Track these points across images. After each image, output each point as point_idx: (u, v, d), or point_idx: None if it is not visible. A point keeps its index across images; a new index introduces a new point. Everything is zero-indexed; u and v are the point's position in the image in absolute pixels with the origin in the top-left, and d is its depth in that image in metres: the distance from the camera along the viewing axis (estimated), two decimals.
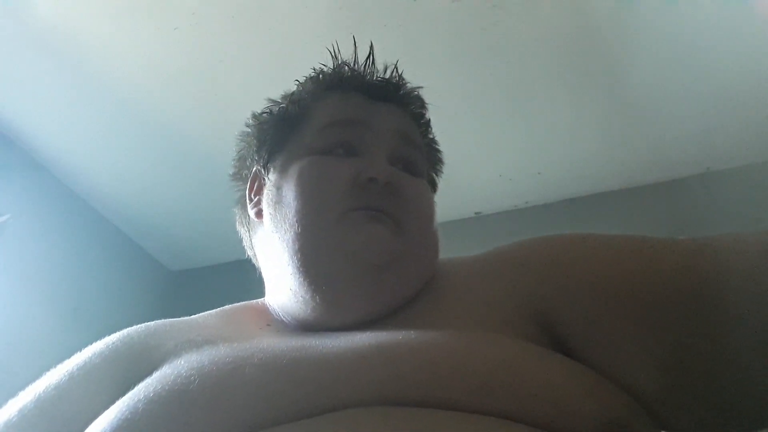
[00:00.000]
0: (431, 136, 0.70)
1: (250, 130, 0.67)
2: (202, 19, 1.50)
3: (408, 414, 0.40)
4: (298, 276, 0.55)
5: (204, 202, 2.05)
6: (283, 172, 0.60)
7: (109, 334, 0.58)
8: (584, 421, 0.41)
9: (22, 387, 0.55)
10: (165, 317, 0.59)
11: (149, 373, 0.49)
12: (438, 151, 0.71)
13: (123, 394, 0.46)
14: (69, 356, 0.56)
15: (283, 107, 0.65)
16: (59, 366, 0.55)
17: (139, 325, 0.58)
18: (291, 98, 0.65)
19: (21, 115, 1.77)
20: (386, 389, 0.41)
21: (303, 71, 0.68)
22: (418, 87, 0.68)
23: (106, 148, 1.88)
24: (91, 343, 0.57)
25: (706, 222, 1.74)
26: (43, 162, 1.91)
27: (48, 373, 0.55)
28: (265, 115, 0.66)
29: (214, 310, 0.62)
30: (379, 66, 0.66)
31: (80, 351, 0.56)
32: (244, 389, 0.43)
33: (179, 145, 1.86)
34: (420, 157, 0.64)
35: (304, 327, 0.56)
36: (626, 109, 1.72)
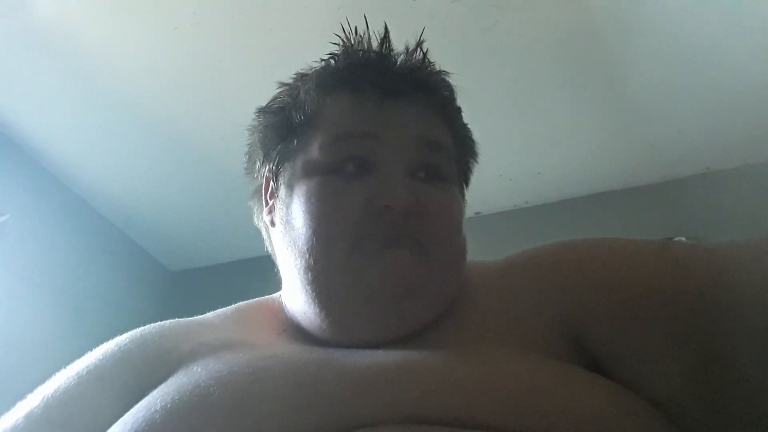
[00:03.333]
0: (462, 124, 0.61)
1: (256, 128, 0.62)
2: (202, 19, 1.50)
3: None
4: (312, 304, 0.52)
5: (204, 202, 2.06)
6: (291, 188, 0.55)
7: (109, 335, 0.55)
8: None
9: (23, 387, 0.53)
10: (165, 317, 0.57)
11: (164, 379, 0.47)
12: (471, 140, 0.63)
13: (136, 399, 0.45)
14: (69, 356, 0.54)
15: (287, 113, 0.58)
16: (69, 367, 0.53)
17: (151, 325, 0.55)
18: (295, 103, 0.58)
19: (21, 115, 1.77)
20: (411, 407, 0.40)
21: None
22: (444, 72, 0.60)
23: (106, 148, 1.88)
24: (91, 344, 0.55)
25: (706, 222, 1.74)
26: (43, 162, 1.91)
27: (57, 375, 0.53)
28: (270, 115, 0.60)
29: (227, 309, 0.60)
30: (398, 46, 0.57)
31: (80, 352, 0.55)
32: (265, 402, 0.41)
33: (179, 145, 1.86)
34: (447, 160, 0.56)
35: (315, 340, 0.54)
36: (626, 109, 1.72)
